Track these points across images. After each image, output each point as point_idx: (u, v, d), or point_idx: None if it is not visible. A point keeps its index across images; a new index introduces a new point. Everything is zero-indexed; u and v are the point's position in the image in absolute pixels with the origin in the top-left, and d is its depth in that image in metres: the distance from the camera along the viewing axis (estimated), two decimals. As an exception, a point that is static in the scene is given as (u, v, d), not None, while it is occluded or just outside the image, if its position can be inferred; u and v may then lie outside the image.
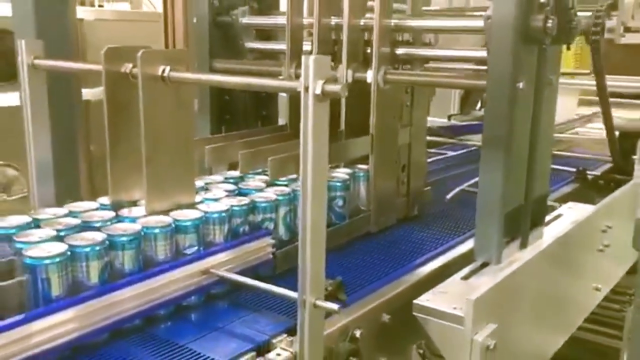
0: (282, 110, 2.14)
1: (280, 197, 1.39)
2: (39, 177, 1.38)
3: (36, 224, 1.17)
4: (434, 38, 1.69)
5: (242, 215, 1.32)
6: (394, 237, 1.66)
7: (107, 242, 1.08)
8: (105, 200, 1.33)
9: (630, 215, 2.19)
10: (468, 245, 1.62)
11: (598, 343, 2.88)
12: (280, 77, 1.71)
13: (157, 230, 1.16)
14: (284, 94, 1.98)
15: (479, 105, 3.57)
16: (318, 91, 0.97)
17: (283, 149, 1.44)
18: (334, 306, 1.05)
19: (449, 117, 3.11)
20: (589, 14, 1.81)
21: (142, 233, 1.15)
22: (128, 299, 1.08)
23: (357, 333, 1.20)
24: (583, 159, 2.64)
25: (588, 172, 2.39)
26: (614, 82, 2.34)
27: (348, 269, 1.44)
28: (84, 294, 1.03)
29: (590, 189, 2.40)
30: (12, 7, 1.77)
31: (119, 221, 1.20)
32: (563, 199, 2.06)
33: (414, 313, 1.26)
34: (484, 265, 1.46)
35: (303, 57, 0.98)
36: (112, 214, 1.23)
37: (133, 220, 1.20)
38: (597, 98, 2.09)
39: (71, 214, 1.23)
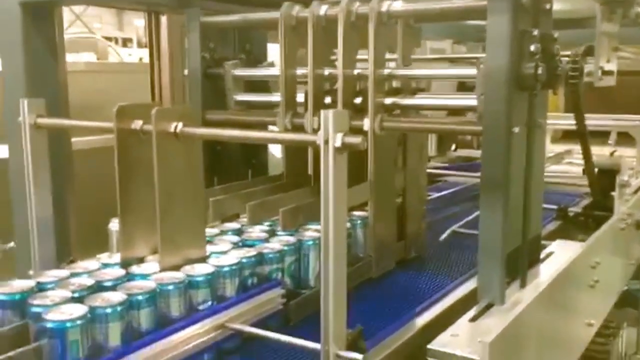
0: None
1: (286, 247, 1.40)
2: (40, 237, 1.36)
3: (41, 287, 1.14)
4: (426, 84, 1.75)
5: (251, 267, 1.32)
6: (396, 282, 1.67)
7: (127, 301, 1.06)
8: (106, 258, 1.32)
9: (614, 250, 2.26)
10: (468, 286, 1.64)
11: (585, 377, 2.90)
12: (275, 129, 1.73)
13: (171, 287, 1.15)
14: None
15: (453, 146, 3.65)
16: (338, 144, 0.99)
17: (288, 199, 1.45)
18: (358, 356, 1.05)
19: (428, 160, 3.17)
20: (566, 58, 1.90)
21: (157, 290, 1.14)
22: None
23: (376, 382, 1.20)
24: (562, 194, 2.72)
25: (569, 209, 2.45)
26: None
27: (356, 317, 1.43)
28: (104, 358, 1.01)
29: (571, 226, 2.46)
30: (1, 63, 1.77)
31: (130, 279, 1.19)
32: (549, 237, 2.11)
33: (428, 358, 1.27)
34: (489, 306, 1.48)
35: (322, 112, 1.00)
36: (122, 271, 1.21)
37: (144, 277, 1.19)
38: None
39: (78, 274, 1.21)
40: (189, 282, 1.17)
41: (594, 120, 2.81)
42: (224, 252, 1.33)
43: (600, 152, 2.97)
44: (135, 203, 1.25)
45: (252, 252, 1.35)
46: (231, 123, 1.84)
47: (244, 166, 2.07)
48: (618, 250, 2.31)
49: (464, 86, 3.12)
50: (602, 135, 3.56)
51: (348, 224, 1.59)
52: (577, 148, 2.97)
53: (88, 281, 1.14)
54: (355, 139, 0.98)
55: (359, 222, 1.65)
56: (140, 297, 1.10)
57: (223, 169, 2.01)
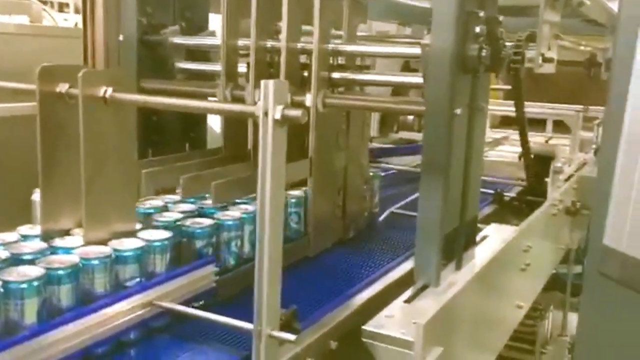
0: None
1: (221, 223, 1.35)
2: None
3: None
4: (371, 62, 1.72)
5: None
6: (332, 261, 1.65)
7: (45, 276, 0.99)
8: (26, 230, 1.23)
9: (546, 235, 2.31)
10: (405, 267, 1.64)
11: (512, 358, 3.00)
12: (214, 99, 1.67)
13: (96, 262, 1.08)
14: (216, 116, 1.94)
15: (395, 128, 3.66)
16: (278, 116, 0.95)
17: (224, 172, 1.39)
18: (291, 337, 1.02)
19: (370, 140, 3.16)
20: (510, 44, 1.91)
21: (80, 265, 1.07)
22: (66, 338, 1.00)
23: (309, 363, 1.17)
24: (497, 181, 2.76)
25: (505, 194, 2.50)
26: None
27: (290, 296, 1.40)
28: (19, 335, 0.94)
29: (506, 210, 2.51)
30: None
31: (53, 253, 1.11)
32: (484, 221, 2.14)
33: (363, 339, 1.25)
34: (424, 287, 1.47)
35: (262, 82, 0.95)
36: (43, 244, 1.14)
37: (68, 251, 1.12)
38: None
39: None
40: (115, 257, 1.11)
41: (531, 108, 2.87)
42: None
43: (535, 140, 3.03)
44: (60, 172, 1.17)
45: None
46: (168, 93, 1.76)
47: (181, 139, 1.99)
48: (549, 235, 2.37)
49: (407, 68, 3.12)
50: (538, 123, 3.64)
51: (302, 193, 1.56)
52: (514, 135, 3.04)
53: (3, 253, 1.06)
54: (296, 112, 0.94)
55: (296, 199, 1.62)
56: (60, 272, 1.03)
57: (159, 142, 1.93)
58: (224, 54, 1.65)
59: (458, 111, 1.42)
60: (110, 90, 1.09)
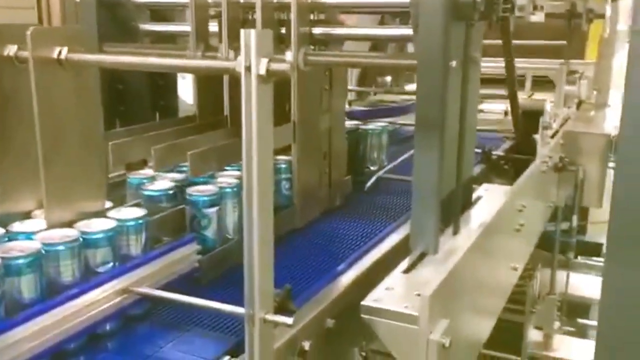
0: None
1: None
2: None
3: None
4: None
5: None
6: (322, 231, 1.54)
7: (2, 267, 0.86)
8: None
9: (537, 193, 2.24)
10: (400, 234, 1.54)
11: (502, 319, 2.94)
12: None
13: (61, 247, 0.95)
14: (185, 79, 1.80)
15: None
16: (262, 71, 0.82)
17: (201, 141, 1.26)
18: (287, 320, 0.91)
19: (350, 103, 3.03)
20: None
21: (43, 251, 0.94)
22: (32, 336, 0.88)
23: (306, 345, 1.07)
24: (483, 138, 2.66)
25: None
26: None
27: (280, 273, 1.29)
28: (-25, 336, 0.81)
29: (490, 169, 2.42)
30: None
31: (11, 239, 0.98)
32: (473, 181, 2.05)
33: (362, 315, 1.15)
34: (422, 255, 1.38)
35: (242, 32, 0.82)
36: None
37: (29, 236, 0.98)
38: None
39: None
40: (84, 240, 0.98)
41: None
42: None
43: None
44: (14, 147, 1.03)
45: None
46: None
47: (151, 109, 1.86)
48: (540, 193, 2.29)
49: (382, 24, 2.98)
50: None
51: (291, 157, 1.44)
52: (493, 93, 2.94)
53: (-47, 243, 0.93)
54: (283, 65, 0.82)
55: (281, 166, 1.50)
56: (20, 261, 0.90)
57: (126, 112, 1.79)
58: (192, 12, 1.49)
59: (453, 63, 1.31)
60: (65, 50, 0.95)
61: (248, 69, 0.82)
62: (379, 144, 2.00)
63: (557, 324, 3.06)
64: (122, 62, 0.96)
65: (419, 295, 1.15)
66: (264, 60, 0.82)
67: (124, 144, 1.24)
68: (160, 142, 1.27)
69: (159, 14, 1.76)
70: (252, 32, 0.81)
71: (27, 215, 1.09)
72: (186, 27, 1.55)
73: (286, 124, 1.48)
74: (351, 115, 2.86)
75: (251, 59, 0.82)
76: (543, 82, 3.42)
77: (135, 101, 1.80)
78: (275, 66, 0.82)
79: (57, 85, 0.97)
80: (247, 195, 0.86)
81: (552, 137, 2.47)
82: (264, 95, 0.84)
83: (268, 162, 0.87)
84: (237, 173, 1.31)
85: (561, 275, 3.14)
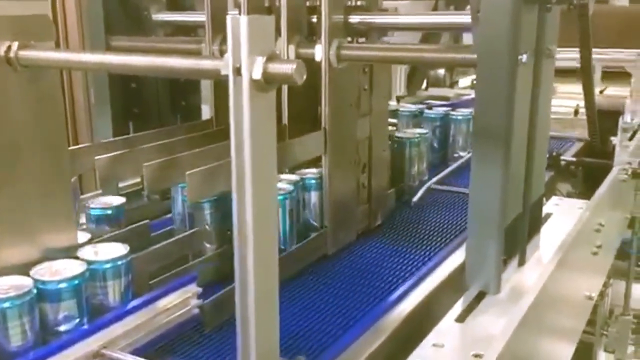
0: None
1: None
2: None
3: None
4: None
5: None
6: (358, 259, 1.29)
7: None
8: None
9: (615, 206, 1.92)
10: (452, 263, 1.27)
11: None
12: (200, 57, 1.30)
13: (6, 304, 0.74)
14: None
15: (424, 84, 3.25)
16: (257, 75, 0.58)
17: (208, 154, 1.04)
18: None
19: (398, 100, 2.76)
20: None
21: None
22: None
23: None
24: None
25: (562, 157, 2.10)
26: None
27: (303, 315, 1.06)
28: None
29: (564, 176, 2.12)
30: None
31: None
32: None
33: (404, 381, 0.90)
34: (481, 295, 1.12)
35: (229, 19, 0.58)
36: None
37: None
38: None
39: None
40: (39, 291, 0.76)
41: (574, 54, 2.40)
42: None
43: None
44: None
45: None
46: (143, 51, 1.40)
47: (171, 110, 1.65)
48: (618, 205, 1.98)
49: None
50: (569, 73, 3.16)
51: (291, 186, 1.19)
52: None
53: None
54: (285, 66, 0.57)
55: (312, 181, 1.26)
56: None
57: (143, 114, 1.59)
58: (209, -1, 1.27)
59: (523, 58, 1.04)
60: (15, 46, 0.73)
61: (238, 71, 0.58)
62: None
63: (631, 349, 2.73)
64: (78, 63, 0.73)
65: (477, 357, 0.90)
66: (260, 60, 0.58)
67: (114, 159, 1.01)
68: (160, 156, 1.05)
69: (177, 3, 1.55)
70: (243, 19, 0.57)
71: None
72: (202, 18, 1.33)
73: (316, 131, 1.23)
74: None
75: (242, 58, 0.58)
76: (612, 75, 3.06)
77: (151, 101, 1.59)
78: (277, 67, 0.58)
79: (6, 91, 0.75)
80: (237, 231, 0.62)
81: (630, 139, 2.15)
82: (261, 108, 0.60)
83: (268, 194, 0.63)
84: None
85: (637, 289, 2.80)
